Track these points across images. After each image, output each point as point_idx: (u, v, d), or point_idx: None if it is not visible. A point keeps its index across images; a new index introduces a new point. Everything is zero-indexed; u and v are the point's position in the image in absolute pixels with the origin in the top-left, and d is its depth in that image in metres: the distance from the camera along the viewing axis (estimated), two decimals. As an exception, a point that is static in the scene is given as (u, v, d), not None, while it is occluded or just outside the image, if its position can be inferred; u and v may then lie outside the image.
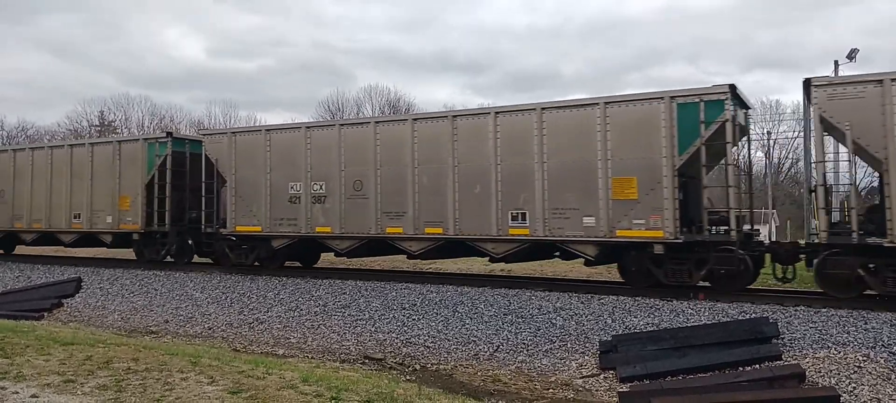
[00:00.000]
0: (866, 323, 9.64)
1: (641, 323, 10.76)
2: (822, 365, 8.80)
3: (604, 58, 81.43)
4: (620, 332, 10.52)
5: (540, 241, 12.64)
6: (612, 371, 9.62)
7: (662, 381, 9.10)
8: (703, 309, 10.87)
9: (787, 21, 76.75)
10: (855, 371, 8.56)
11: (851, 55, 25.65)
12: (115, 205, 17.99)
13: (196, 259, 18.52)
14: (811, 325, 9.81)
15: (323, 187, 15.00)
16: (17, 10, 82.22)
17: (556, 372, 9.96)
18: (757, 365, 9.01)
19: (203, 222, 16.85)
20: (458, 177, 13.37)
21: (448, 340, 11.35)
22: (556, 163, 12.41)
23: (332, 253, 16.28)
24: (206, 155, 16.76)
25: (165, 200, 17.34)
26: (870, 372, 8.51)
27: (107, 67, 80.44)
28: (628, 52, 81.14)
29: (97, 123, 55.05)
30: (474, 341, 11.19)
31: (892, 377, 8.41)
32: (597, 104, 12.12)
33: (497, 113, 13.12)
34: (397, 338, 11.69)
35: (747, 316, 10.32)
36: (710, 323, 10.30)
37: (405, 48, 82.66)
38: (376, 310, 12.75)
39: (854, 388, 8.29)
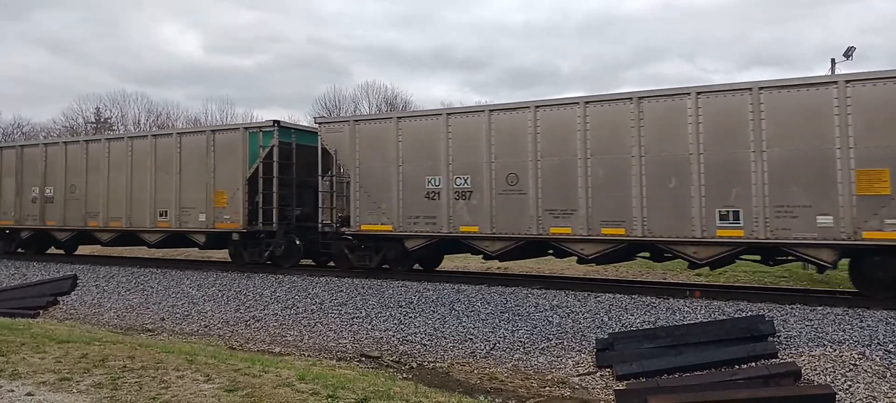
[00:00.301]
0: (862, 321, 9.66)
1: (638, 320, 10.77)
2: (817, 363, 8.82)
3: (601, 55, 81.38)
4: (617, 330, 10.54)
5: (758, 244, 11.06)
6: (608, 369, 9.63)
7: (659, 379, 9.12)
8: (699, 307, 10.89)
9: (784, 19, 76.79)
10: (850, 369, 8.59)
11: (848, 53, 25.67)
12: (209, 202, 16.25)
13: (301, 261, 16.63)
14: (807, 323, 9.84)
15: (468, 181, 13.51)
16: (14, 6, 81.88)
17: (553, 370, 9.97)
18: (753, 363, 9.03)
19: (320, 220, 15.45)
20: (646, 169, 11.73)
21: (445, 338, 11.35)
22: (779, 152, 10.80)
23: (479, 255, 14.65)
24: (322, 145, 15.21)
25: (271, 196, 15.73)
26: (865, 370, 8.53)
27: (103, 64, 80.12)
28: (626, 49, 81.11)
29: (93, 120, 54.82)
30: (471, 339, 11.19)
31: (888, 375, 8.43)
32: (835, 83, 10.50)
33: (699, 93, 11.35)
34: (394, 336, 11.69)
35: (743, 314, 10.34)
36: (706, 321, 10.32)
37: (402, 45, 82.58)
38: (373, 308, 12.74)
39: (849, 386, 8.31)
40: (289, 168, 16.02)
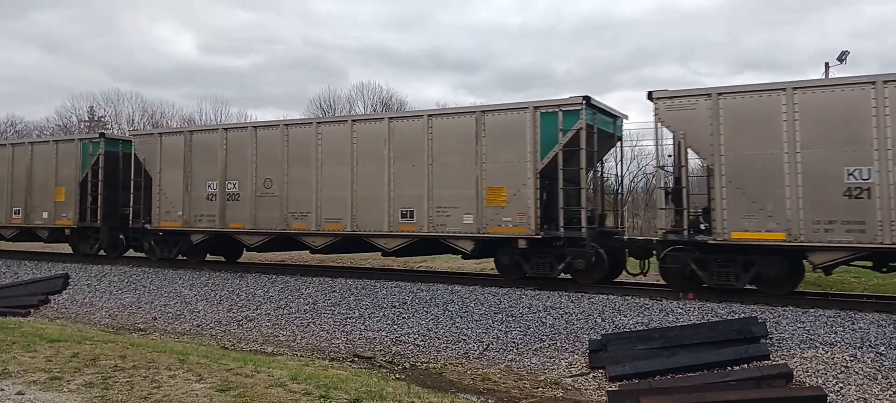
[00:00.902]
0: (853, 324, 9.70)
1: (631, 322, 10.79)
2: (809, 365, 8.85)
3: (595, 58, 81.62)
4: (610, 331, 10.55)
5: None
6: (601, 371, 9.64)
7: (651, 380, 9.13)
8: (692, 309, 10.91)
9: (776, 23, 77.17)
10: (842, 371, 8.62)
11: (842, 57, 25.81)
12: (479, 200, 13.05)
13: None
14: (799, 325, 9.87)
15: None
16: (7, 5, 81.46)
17: (546, 371, 9.97)
18: (745, 365, 9.06)
19: (663, 226, 12.23)
20: None
21: (438, 338, 11.34)
22: None
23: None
24: (665, 126, 11.87)
25: (578, 194, 12.89)
26: (857, 372, 8.57)
27: (97, 63, 79.81)
28: (619, 52, 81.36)
29: (87, 119, 54.58)
30: (464, 339, 11.18)
31: (879, 377, 8.47)
32: None
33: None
34: (387, 337, 11.67)
35: (736, 316, 10.37)
36: (699, 322, 10.35)
37: (397, 46, 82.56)
38: (366, 309, 12.72)
39: (841, 388, 8.34)
40: (576, 158, 12.64)
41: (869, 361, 8.75)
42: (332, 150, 14.70)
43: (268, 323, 12.92)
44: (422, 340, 11.38)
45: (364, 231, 14.29)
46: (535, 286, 12.94)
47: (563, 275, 12.86)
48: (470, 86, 79.48)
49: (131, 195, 17.86)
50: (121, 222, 18.56)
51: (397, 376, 9.88)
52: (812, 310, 10.36)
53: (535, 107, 12.64)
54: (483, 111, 13.34)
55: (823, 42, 69.14)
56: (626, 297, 11.75)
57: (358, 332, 12.00)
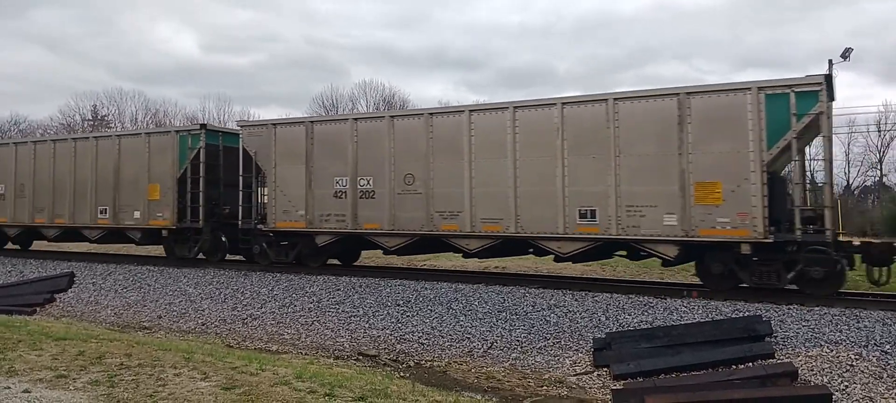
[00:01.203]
0: (859, 322, 9.68)
1: (635, 320, 10.78)
2: (814, 364, 8.83)
3: (596, 56, 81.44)
4: (614, 330, 10.54)
5: None
6: (605, 369, 9.64)
7: (656, 379, 9.12)
8: (696, 307, 10.89)
9: (777, 22, 76.87)
10: (847, 370, 8.60)
11: (845, 54, 25.70)
12: (685, 197, 11.30)
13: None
14: (804, 324, 9.85)
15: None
16: (9, 3, 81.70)
17: (550, 370, 9.97)
18: (750, 363, 9.04)
19: None
20: None
21: (442, 337, 11.34)
22: None
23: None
24: None
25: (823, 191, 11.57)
26: (862, 371, 8.54)
27: (99, 62, 80.00)
28: (620, 50, 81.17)
29: (90, 117, 54.72)
30: (468, 338, 11.19)
31: (884, 376, 8.45)
32: None
33: None
34: (391, 335, 11.68)
35: (741, 314, 10.35)
36: (703, 321, 10.33)
37: (398, 45, 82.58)
38: (370, 307, 12.73)
39: (846, 387, 8.32)
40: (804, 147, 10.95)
41: (874, 360, 8.73)
42: (488, 141, 13.02)
43: (272, 322, 12.95)
44: (426, 338, 11.39)
45: (530, 233, 12.60)
46: (538, 285, 12.93)
47: (788, 286, 11.23)
48: (471, 84, 79.52)
49: (241, 193, 16.00)
50: (220, 222, 16.85)
51: (402, 374, 9.90)
52: (817, 309, 10.34)
53: (760, 88, 10.92)
54: (687, 93, 11.46)
55: (825, 40, 68.88)
56: (631, 295, 11.74)
57: (362, 330, 12.01)
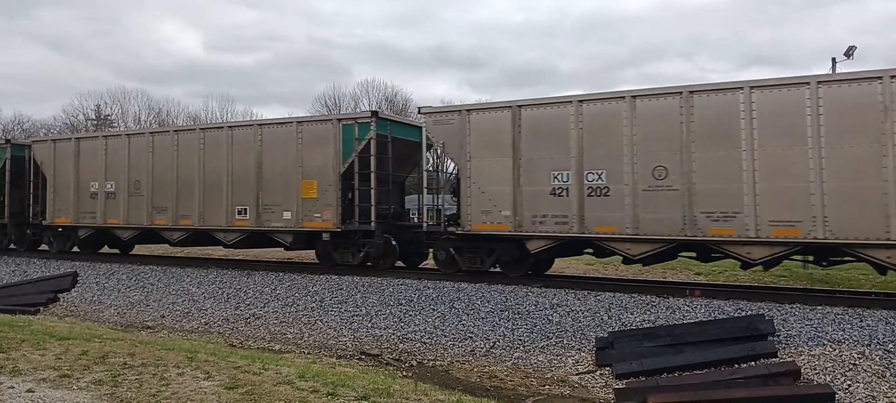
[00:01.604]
0: (862, 321, 9.67)
1: (638, 319, 10.78)
2: (817, 363, 8.82)
3: (599, 55, 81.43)
4: (617, 329, 10.54)
5: None
6: (608, 368, 9.63)
7: (658, 378, 9.12)
8: (699, 306, 10.89)
9: (781, 20, 76.82)
10: (850, 369, 8.59)
11: (849, 52, 25.61)
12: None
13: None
14: (807, 322, 9.84)
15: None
16: (14, 3, 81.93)
17: (553, 369, 9.97)
18: (753, 362, 9.04)
19: None
20: None
21: (445, 336, 11.35)
22: None
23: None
24: None
25: None
26: (865, 370, 8.53)
27: (103, 61, 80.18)
28: (624, 49, 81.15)
29: (94, 117, 54.81)
30: (471, 337, 11.19)
31: (887, 374, 8.43)
32: None
33: None
34: (394, 334, 11.69)
35: (743, 313, 10.34)
36: (706, 320, 10.32)
37: (402, 44, 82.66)
38: (373, 306, 12.74)
39: (849, 386, 8.31)
40: None
41: (877, 359, 8.72)
42: (775, 125, 10.75)
43: (275, 321, 12.96)
44: (428, 337, 11.40)
45: (843, 239, 10.30)
46: (540, 284, 12.93)
47: None
48: (474, 82, 79.54)
49: (422, 190, 14.57)
50: (390, 224, 15.08)
51: (404, 373, 9.91)
52: (820, 308, 10.33)
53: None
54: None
55: (829, 38, 68.76)
56: (633, 295, 11.74)
57: (365, 330, 12.02)
